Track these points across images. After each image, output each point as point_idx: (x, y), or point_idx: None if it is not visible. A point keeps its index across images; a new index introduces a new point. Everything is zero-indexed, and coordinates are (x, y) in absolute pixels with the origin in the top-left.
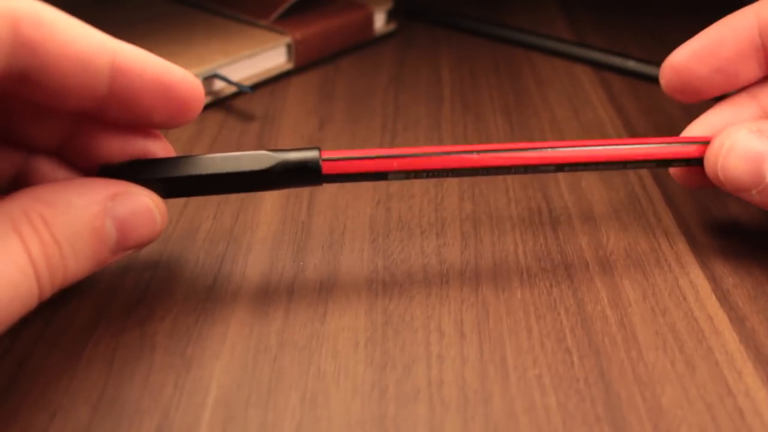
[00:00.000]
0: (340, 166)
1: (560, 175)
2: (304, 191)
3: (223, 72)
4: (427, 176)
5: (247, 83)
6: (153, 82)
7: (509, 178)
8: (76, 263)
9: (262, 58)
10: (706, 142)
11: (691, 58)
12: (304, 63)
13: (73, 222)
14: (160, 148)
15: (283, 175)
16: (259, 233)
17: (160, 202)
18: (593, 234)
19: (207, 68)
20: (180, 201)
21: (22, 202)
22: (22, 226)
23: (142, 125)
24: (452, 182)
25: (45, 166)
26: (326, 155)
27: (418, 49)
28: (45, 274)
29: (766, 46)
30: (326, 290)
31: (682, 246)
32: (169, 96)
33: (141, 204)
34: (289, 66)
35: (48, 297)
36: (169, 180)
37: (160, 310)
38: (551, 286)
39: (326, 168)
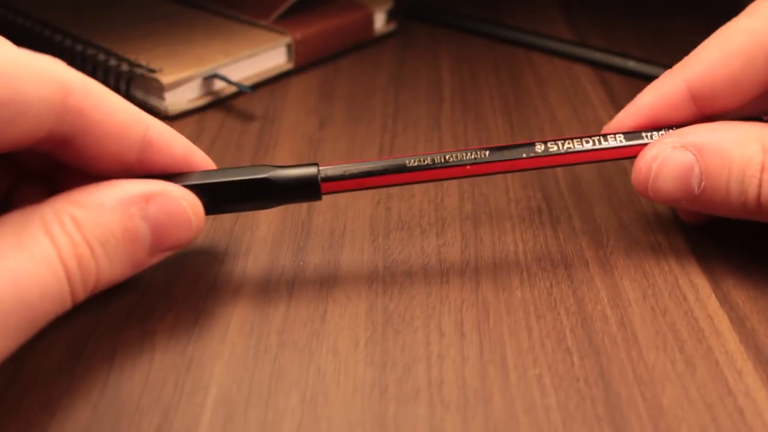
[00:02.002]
0: (339, 184)
1: (560, 176)
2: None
3: (223, 72)
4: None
5: (247, 83)
6: (177, 158)
7: (509, 177)
8: (109, 264)
9: (262, 58)
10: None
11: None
12: (304, 63)
13: (105, 223)
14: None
15: (282, 190)
16: (259, 233)
17: (195, 202)
18: (593, 234)
19: (207, 68)
20: None
21: (54, 204)
22: (52, 227)
23: None
24: (452, 182)
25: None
26: (324, 171)
27: (418, 49)
28: (77, 274)
29: (700, 110)
30: (326, 290)
31: (682, 246)
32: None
33: (175, 205)
34: (289, 66)
35: (82, 298)
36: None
37: (160, 309)
38: (551, 286)
39: (325, 186)
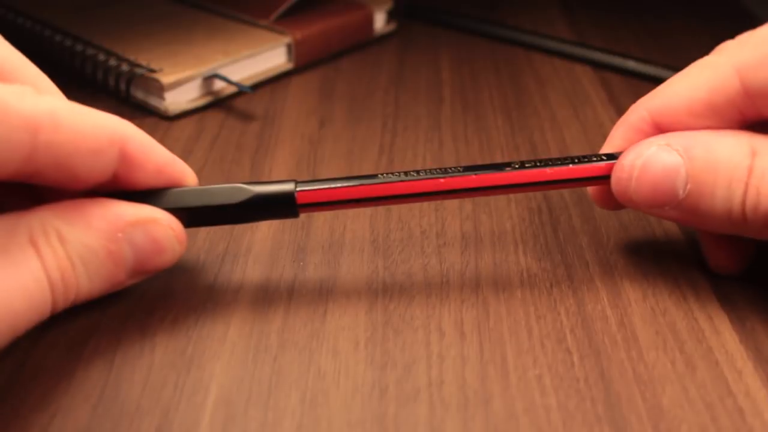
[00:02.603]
0: (315, 195)
1: None
2: None
3: (223, 72)
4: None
5: (247, 83)
6: (155, 172)
7: None
8: (89, 282)
9: (262, 58)
10: (613, 158)
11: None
12: (304, 63)
13: (90, 242)
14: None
15: (258, 208)
16: (259, 233)
17: (180, 230)
18: (593, 234)
19: (207, 68)
20: None
21: (42, 216)
22: (39, 239)
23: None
24: None
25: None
26: (301, 187)
27: (418, 49)
28: (59, 287)
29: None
30: (326, 290)
31: (681, 246)
32: (168, 179)
33: (162, 232)
34: (289, 66)
35: (61, 309)
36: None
37: (160, 310)
38: (551, 286)
39: (301, 198)
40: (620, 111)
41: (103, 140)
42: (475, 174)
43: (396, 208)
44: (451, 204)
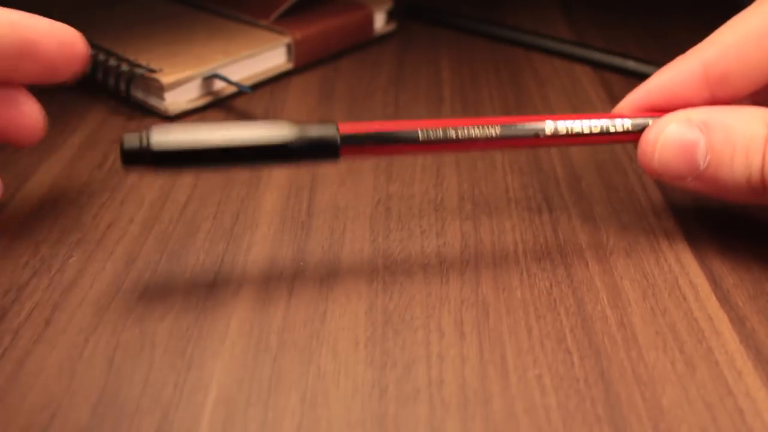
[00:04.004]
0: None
1: (560, 176)
2: (304, 191)
3: (223, 72)
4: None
5: (247, 83)
6: (46, 28)
7: (509, 177)
8: None
9: (262, 58)
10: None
11: (637, 111)
12: (304, 63)
13: None
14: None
15: (301, 151)
16: (259, 233)
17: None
18: (593, 234)
19: (207, 68)
20: (180, 199)
21: None
22: None
23: (51, 77)
24: (452, 182)
25: None
26: (345, 131)
27: (418, 49)
28: None
29: (714, 94)
30: (326, 290)
31: (682, 246)
32: (59, 39)
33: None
34: (289, 66)
35: None
36: (185, 149)
37: (160, 309)
38: (551, 286)
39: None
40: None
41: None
42: (511, 140)
43: (396, 208)
44: (451, 204)
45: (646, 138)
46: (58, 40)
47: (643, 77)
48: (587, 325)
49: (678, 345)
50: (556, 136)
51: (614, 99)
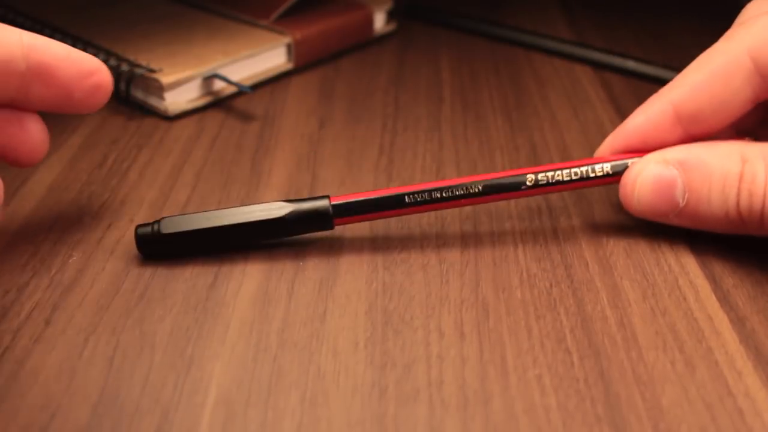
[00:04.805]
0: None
1: None
2: (304, 191)
3: (223, 72)
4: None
5: (247, 83)
6: (61, 55)
7: None
8: None
9: (262, 58)
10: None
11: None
12: (304, 63)
13: None
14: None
15: (296, 223)
16: None
17: None
18: (593, 234)
19: (207, 68)
20: (179, 199)
21: None
22: None
23: (67, 106)
24: None
25: None
26: (336, 201)
27: (418, 49)
28: None
29: (687, 132)
30: (326, 290)
31: (682, 246)
32: (78, 67)
33: None
34: (289, 66)
35: None
36: (188, 233)
37: (160, 309)
38: (551, 286)
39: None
40: (620, 111)
41: (13, 43)
42: (495, 195)
43: None
44: None
45: (625, 180)
46: (77, 68)
47: (643, 77)
48: (587, 325)
49: (678, 345)
50: (537, 187)
51: (614, 99)
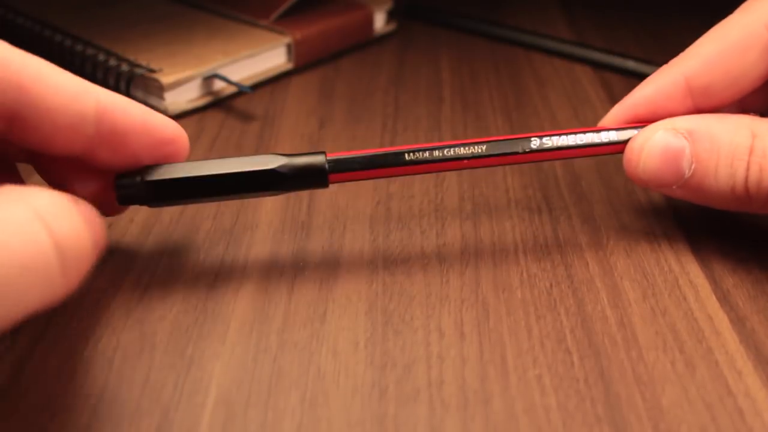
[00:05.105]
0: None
1: (560, 176)
2: (304, 191)
3: (223, 72)
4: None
5: (247, 83)
6: (137, 122)
7: (509, 178)
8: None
9: (262, 58)
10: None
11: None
12: (304, 63)
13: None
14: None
15: (291, 178)
16: (259, 233)
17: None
18: (593, 234)
19: (207, 68)
20: None
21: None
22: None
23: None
24: (452, 182)
25: (65, 166)
26: (332, 157)
27: (418, 49)
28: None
29: (697, 105)
30: (326, 290)
31: (682, 246)
32: (153, 136)
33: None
34: (289, 66)
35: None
36: (179, 181)
37: (160, 310)
38: (551, 286)
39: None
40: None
41: (77, 87)
42: (497, 156)
43: (396, 208)
44: (451, 204)
45: (631, 146)
46: (153, 138)
47: (643, 77)
48: (587, 325)
49: (678, 345)
50: (541, 151)
51: (614, 99)
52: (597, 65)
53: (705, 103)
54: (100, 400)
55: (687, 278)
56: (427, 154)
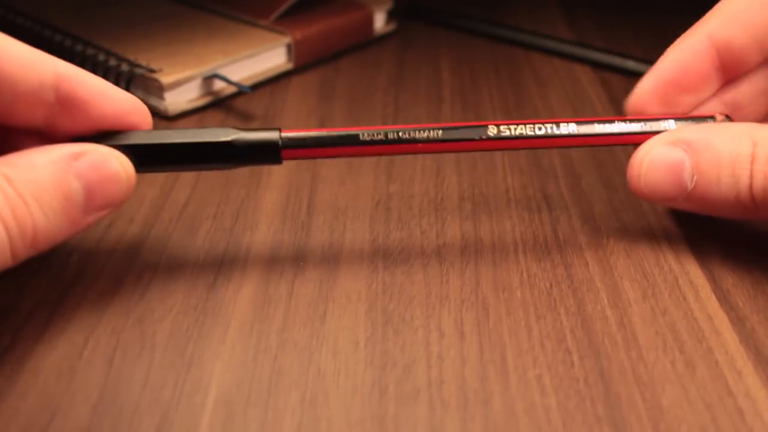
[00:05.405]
0: (298, 153)
1: (560, 176)
2: (304, 191)
3: (223, 72)
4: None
5: (247, 83)
6: (96, 90)
7: (509, 178)
8: (45, 219)
9: (262, 58)
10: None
11: (654, 95)
12: (304, 63)
13: (37, 178)
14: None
15: (244, 151)
16: (259, 233)
17: (126, 161)
18: (593, 234)
19: (207, 68)
20: (180, 201)
21: None
22: None
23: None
24: (452, 182)
25: (27, 142)
26: (287, 134)
27: (418, 49)
28: (13, 225)
29: (725, 65)
30: (326, 290)
31: (682, 246)
32: (113, 105)
33: (104, 161)
34: (289, 66)
35: (23, 254)
36: (134, 148)
37: (160, 309)
38: (551, 286)
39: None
40: (620, 111)
41: (35, 56)
42: (453, 141)
43: (396, 208)
44: (451, 204)
45: (632, 161)
46: (112, 107)
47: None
48: (587, 325)
49: (678, 345)
50: (498, 139)
51: (614, 99)
52: (597, 65)
53: (731, 62)
54: (100, 400)
55: (687, 278)
56: (382, 135)
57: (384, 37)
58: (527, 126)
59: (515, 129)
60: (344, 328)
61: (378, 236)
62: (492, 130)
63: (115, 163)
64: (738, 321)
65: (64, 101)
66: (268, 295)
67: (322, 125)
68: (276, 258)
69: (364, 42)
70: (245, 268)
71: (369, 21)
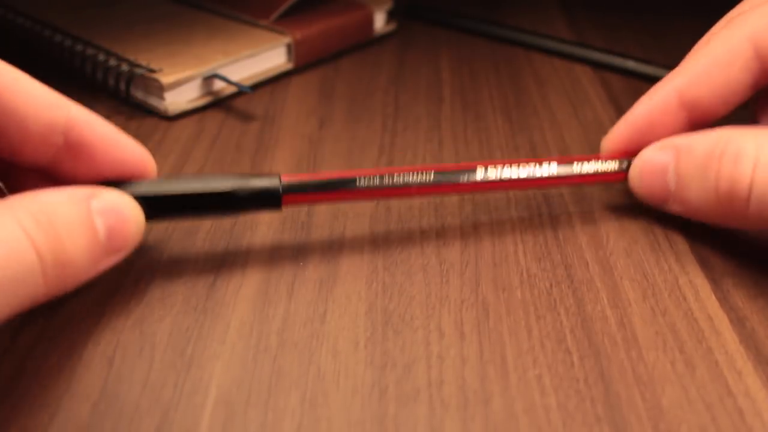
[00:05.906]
0: (298, 198)
1: None
2: None
3: (223, 72)
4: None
5: (247, 83)
6: (105, 137)
7: None
8: (75, 254)
9: (262, 58)
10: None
11: (625, 142)
12: (304, 63)
13: (66, 214)
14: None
15: (245, 200)
16: (259, 233)
17: (135, 205)
18: (593, 234)
19: (207, 68)
20: None
21: (20, 199)
22: (19, 213)
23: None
24: None
25: (30, 179)
26: (286, 180)
27: (418, 49)
28: (47, 254)
29: (692, 118)
30: (326, 290)
31: (682, 246)
32: (119, 153)
33: (120, 202)
34: (289, 66)
35: (54, 288)
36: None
37: (160, 310)
38: (551, 286)
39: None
40: (620, 111)
41: (50, 98)
42: (444, 184)
43: (396, 209)
44: (451, 204)
45: (632, 165)
46: (119, 156)
47: (643, 77)
48: (587, 325)
49: (678, 345)
50: (487, 182)
51: (614, 99)
52: (597, 65)
53: (698, 115)
54: (100, 399)
55: (687, 278)
56: (377, 181)
57: (384, 37)
58: (513, 168)
59: (501, 172)
60: (344, 328)
61: (378, 236)
62: (480, 174)
63: (129, 205)
64: (738, 321)
65: (73, 146)
66: (268, 296)
67: (322, 125)
68: (276, 258)
69: (364, 42)
70: (245, 268)
71: (369, 21)
